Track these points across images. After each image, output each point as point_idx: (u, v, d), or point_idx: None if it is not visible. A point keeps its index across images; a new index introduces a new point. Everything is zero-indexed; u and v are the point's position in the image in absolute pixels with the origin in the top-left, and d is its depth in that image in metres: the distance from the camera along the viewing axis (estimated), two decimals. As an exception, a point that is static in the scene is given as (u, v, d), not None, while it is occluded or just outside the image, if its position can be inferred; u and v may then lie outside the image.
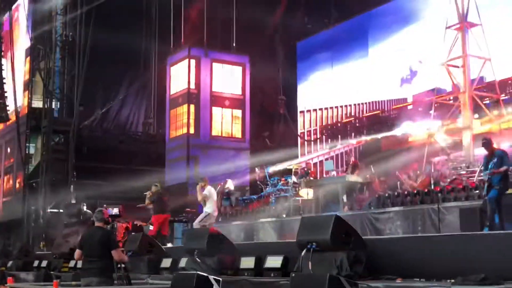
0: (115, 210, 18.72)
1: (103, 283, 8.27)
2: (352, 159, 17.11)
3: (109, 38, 25.08)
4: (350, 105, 24.27)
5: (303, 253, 7.29)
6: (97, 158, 25.38)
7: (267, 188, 19.25)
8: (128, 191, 22.85)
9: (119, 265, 8.68)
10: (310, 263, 7.12)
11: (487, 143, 11.20)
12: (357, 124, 23.74)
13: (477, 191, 12.29)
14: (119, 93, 27.57)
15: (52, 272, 12.98)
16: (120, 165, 25.75)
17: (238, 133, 25.74)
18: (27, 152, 25.31)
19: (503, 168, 10.65)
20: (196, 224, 14.51)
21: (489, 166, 10.72)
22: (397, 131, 21.07)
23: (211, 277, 7.35)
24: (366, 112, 23.55)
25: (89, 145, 25.59)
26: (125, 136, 27.26)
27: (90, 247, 8.57)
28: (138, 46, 27.15)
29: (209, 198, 14.53)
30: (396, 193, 14.44)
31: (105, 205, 15.58)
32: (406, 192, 14.23)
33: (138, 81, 27.78)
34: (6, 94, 19.46)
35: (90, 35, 24.14)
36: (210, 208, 14.50)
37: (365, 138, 22.91)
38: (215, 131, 25.46)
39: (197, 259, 9.24)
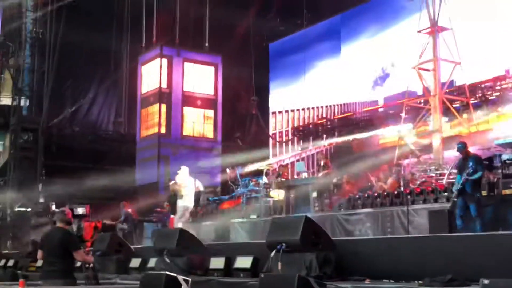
0: (81, 210, 18.42)
1: (65, 284, 8.14)
2: (323, 160, 17.16)
3: (80, 36, 24.79)
4: (322, 107, 24.40)
5: (272, 254, 7.29)
6: (66, 157, 25.04)
7: (238, 189, 19.22)
8: (98, 190, 22.63)
9: (86, 265, 8.58)
10: (279, 264, 7.13)
11: (462, 147, 11.29)
12: (329, 126, 23.89)
13: (446, 193, 12.42)
14: (90, 91, 27.27)
15: (19, 272, 12.77)
16: (90, 164, 25.45)
17: (210, 133, 25.66)
18: (-5, 149, 24.95)
19: (478, 175, 10.76)
20: None
21: (467, 171, 10.76)
22: (368, 134, 21.24)
23: (180, 277, 7.31)
24: (338, 114, 23.70)
25: (58, 143, 25.25)
26: (95, 135, 26.96)
27: (50, 248, 8.41)
28: (109, 44, 26.88)
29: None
30: (366, 195, 14.53)
31: (67, 205, 15.36)
32: (376, 194, 14.32)
33: (109, 80, 27.51)
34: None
35: (60, 32, 23.87)
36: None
37: (336, 139, 23.05)
38: (187, 131, 25.34)
39: (166, 259, 9.18)
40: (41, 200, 22.80)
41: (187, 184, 15.39)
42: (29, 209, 22.43)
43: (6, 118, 24.74)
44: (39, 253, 8.88)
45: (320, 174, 16.23)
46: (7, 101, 25.76)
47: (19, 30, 25.18)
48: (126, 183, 24.01)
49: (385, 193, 13.98)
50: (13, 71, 25.03)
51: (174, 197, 16.32)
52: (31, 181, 23.28)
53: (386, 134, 20.45)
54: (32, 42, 25.09)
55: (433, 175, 15.05)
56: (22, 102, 25.01)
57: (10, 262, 14.95)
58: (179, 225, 14.13)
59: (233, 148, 26.01)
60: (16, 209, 22.91)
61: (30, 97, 25.39)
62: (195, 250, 9.37)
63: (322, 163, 16.74)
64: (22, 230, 21.74)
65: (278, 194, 17.30)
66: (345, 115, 23.25)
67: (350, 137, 22.11)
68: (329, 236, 7.53)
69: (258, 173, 21.22)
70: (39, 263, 12.40)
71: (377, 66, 22.21)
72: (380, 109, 21.81)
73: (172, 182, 16.49)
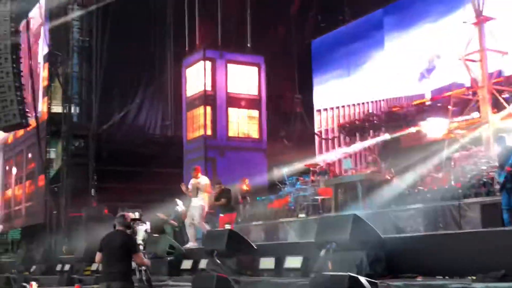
0: (136, 214, 18.72)
1: (124, 286, 8.30)
2: (372, 156, 16.93)
3: (124, 43, 25.32)
4: (368, 102, 24.14)
5: (322, 253, 7.28)
6: (116, 162, 25.55)
7: (286, 188, 19.21)
8: (148, 193, 22.99)
9: (140, 268, 8.74)
10: (329, 263, 7.12)
11: (501, 140, 11.05)
12: (375, 121, 23.58)
13: (498, 186, 12.13)
14: (136, 97, 27.71)
15: (74, 276, 13.12)
16: (139, 168, 25.92)
17: (254, 134, 25.75)
18: (47, 157, 25.57)
19: None
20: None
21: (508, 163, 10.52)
22: (416, 128, 20.92)
23: (231, 278, 7.39)
24: (384, 109, 23.40)
25: (108, 149, 25.76)
26: (144, 139, 27.38)
27: (111, 251, 8.61)
28: (154, 49, 27.31)
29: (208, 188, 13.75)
30: (416, 190, 14.32)
31: (126, 208, 15.64)
32: (426, 189, 14.11)
33: (154, 84, 27.91)
34: (25, 101, 19.59)
35: (106, 40, 24.34)
36: (203, 201, 13.69)
37: (383, 135, 22.77)
38: (232, 132, 25.49)
39: (216, 260, 9.27)
40: (94, 204, 23.29)
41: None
42: (83, 214, 22.91)
43: (58, 126, 25.35)
44: (98, 256, 9.08)
45: (369, 171, 16.03)
46: (57, 109, 26.40)
47: (67, 40, 25.79)
48: (175, 185, 24.30)
49: (436, 188, 13.76)
50: (62, 80, 25.63)
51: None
52: (83, 187, 23.81)
53: (434, 128, 20.08)
54: (79, 50, 25.66)
55: (484, 168, 14.71)
56: (72, 110, 25.60)
57: (66, 267, 15.37)
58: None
59: (278, 147, 26.04)
60: (70, 214, 23.43)
61: (80, 105, 25.96)
62: (244, 251, 9.43)
63: (370, 160, 16.57)
64: (76, 235, 22.24)
65: (325, 192, 17.23)
66: (392, 109, 22.93)
67: (397, 133, 21.81)
68: (379, 234, 7.47)
69: (305, 172, 21.19)
70: (94, 266, 12.73)
71: (423, 59, 21.84)
72: (428, 103, 21.43)
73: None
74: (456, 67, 18.05)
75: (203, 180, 13.66)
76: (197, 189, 13.50)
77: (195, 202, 13.54)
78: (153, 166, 26.00)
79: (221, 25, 25.25)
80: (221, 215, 16.20)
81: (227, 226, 16.00)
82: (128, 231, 8.95)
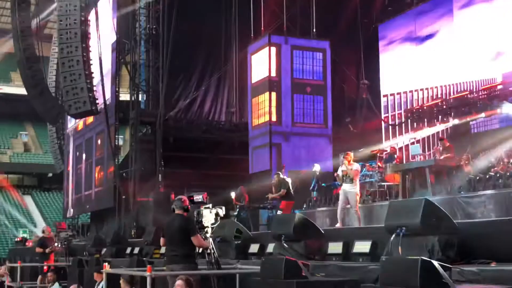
0: (199, 197, 19.05)
1: (186, 269, 8.43)
2: (446, 143, 16.35)
3: (190, 30, 25.59)
4: (436, 87, 23.54)
5: (392, 238, 7.19)
6: (182, 148, 25.95)
7: (352, 174, 19.02)
8: (214, 178, 23.27)
9: (208, 251, 8.87)
10: (400, 248, 7.02)
11: None
12: (444, 107, 22.99)
13: None
14: (202, 83, 28.01)
15: (144, 259, 13.43)
16: (205, 154, 26.25)
17: (320, 120, 25.56)
18: (116, 143, 26.22)
19: None
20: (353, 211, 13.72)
21: None
22: (487, 113, 20.31)
23: (300, 262, 7.39)
24: (453, 93, 22.77)
25: (175, 135, 26.19)
26: (209, 126, 27.68)
27: (171, 234, 8.78)
28: (219, 35, 27.48)
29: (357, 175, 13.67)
30: (487, 176, 13.94)
31: (185, 193, 15.89)
32: (498, 175, 13.70)
33: (219, 71, 28.12)
34: (94, 88, 20.13)
35: (172, 28, 24.65)
36: (357, 187, 13.59)
37: (452, 121, 22.22)
38: (297, 118, 25.39)
39: (284, 244, 9.30)
40: (161, 189, 23.76)
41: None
42: (151, 199, 23.43)
43: (125, 113, 25.92)
44: (162, 240, 9.30)
45: (442, 157, 15.62)
46: (125, 96, 27.00)
47: (134, 28, 26.29)
48: (240, 171, 24.53)
49: (508, 174, 13.35)
50: (130, 68, 26.17)
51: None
52: (151, 172, 24.30)
53: (507, 112, 19.43)
54: (146, 38, 26.12)
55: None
56: (140, 97, 26.11)
57: (136, 250, 15.77)
58: None
59: (344, 133, 25.82)
60: (139, 199, 23.99)
61: (147, 92, 26.45)
62: (312, 235, 9.42)
63: (444, 146, 16.07)
64: (145, 219, 22.78)
65: (393, 178, 17.00)
66: (461, 94, 22.29)
67: (467, 118, 21.24)
68: (451, 219, 7.30)
69: (372, 158, 20.95)
70: (163, 250, 13.00)
71: (494, 41, 21.11)
72: (499, 86, 20.72)
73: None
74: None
75: (354, 166, 13.59)
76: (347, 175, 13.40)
77: (349, 188, 13.45)
78: (218, 152, 26.26)
79: (286, 10, 25.11)
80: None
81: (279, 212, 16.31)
82: (193, 214, 9.07)
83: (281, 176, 17.39)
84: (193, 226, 8.73)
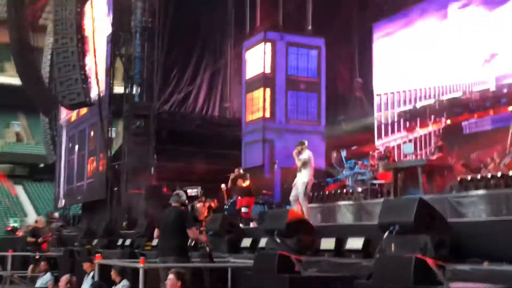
0: (194, 192, 19.22)
1: (178, 261, 8.49)
2: (439, 142, 16.45)
3: (186, 24, 25.56)
4: (430, 88, 23.64)
5: (385, 235, 7.24)
6: (176, 141, 25.97)
7: (344, 171, 19.13)
8: (206, 173, 23.29)
9: (201, 244, 8.93)
10: (393, 245, 7.08)
11: None
12: (437, 107, 23.10)
13: None
14: (197, 78, 27.99)
15: (135, 250, 13.46)
16: (198, 148, 26.25)
17: (313, 117, 25.62)
18: (109, 135, 26.17)
19: None
20: (294, 200, 13.53)
21: None
22: (480, 114, 20.42)
23: (293, 257, 7.44)
24: (446, 94, 22.88)
25: (168, 128, 26.18)
26: (202, 120, 27.69)
27: (166, 226, 8.85)
28: (214, 30, 27.47)
29: (308, 164, 13.52)
30: (479, 176, 14.03)
31: (178, 188, 15.94)
32: (489, 176, 13.80)
33: (214, 66, 28.11)
34: (89, 80, 20.11)
35: (168, 21, 24.61)
36: (307, 176, 13.51)
37: (444, 121, 22.34)
38: (291, 115, 25.43)
39: (277, 239, 9.35)
40: (154, 182, 23.76)
41: None
42: (143, 191, 23.41)
43: (119, 106, 25.86)
44: (156, 232, 9.35)
45: (435, 156, 15.72)
46: (119, 89, 26.93)
47: (129, 20, 26.19)
48: (233, 166, 24.54)
49: (500, 175, 13.44)
50: (124, 60, 26.10)
51: None
52: (143, 165, 24.29)
53: (498, 113, 19.55)
54: (141, 31, 26.04)
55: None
56: (134, 90, 26.05)
57: (127, 242, 15.79)
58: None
59: (337, 131, 25.88)
60: (130, 191, 23.98)
61: (141, 85, 26.38)
62: (304, 231, 9.48)
63: (436, 144, 16.17)
64: (136, 211, 22.77)
65: (385, 176, 17.08)
66: (454, 95, 22.39)
67: (460, 119, 21.35)
68: (444, 218, 7.38)
69: (364, 156, 21.02)
70: (154, 242, 13.04)
71: (488, 43, 21.22)
72: (492, 88, 20.82)
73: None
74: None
75: (305, 155, 13.59)
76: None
77: (298, 177, 13.43)
78: (211, 147, 26.28)
79: (282, 7, 25.13)
80: (240, 198, 16.38)
81: (244, 210, 16.23)
82: (186, 208, 9.16)
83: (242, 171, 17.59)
84: (190, 218, 8.84)
